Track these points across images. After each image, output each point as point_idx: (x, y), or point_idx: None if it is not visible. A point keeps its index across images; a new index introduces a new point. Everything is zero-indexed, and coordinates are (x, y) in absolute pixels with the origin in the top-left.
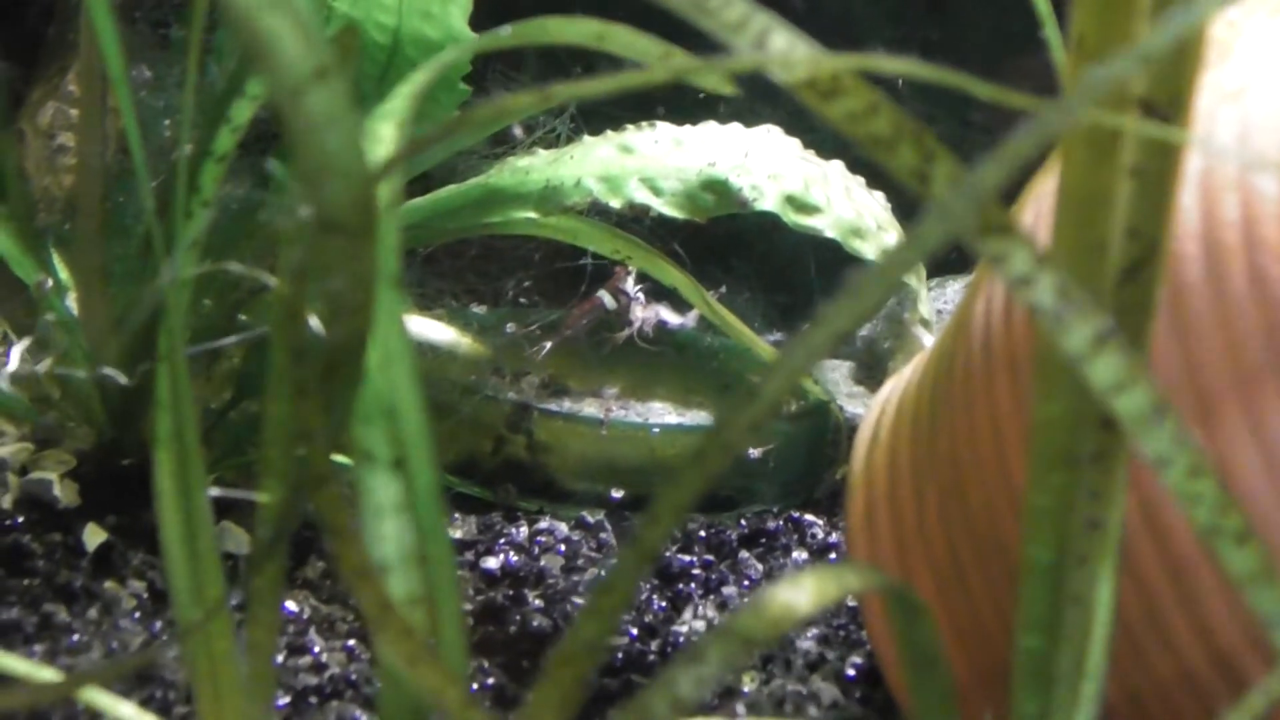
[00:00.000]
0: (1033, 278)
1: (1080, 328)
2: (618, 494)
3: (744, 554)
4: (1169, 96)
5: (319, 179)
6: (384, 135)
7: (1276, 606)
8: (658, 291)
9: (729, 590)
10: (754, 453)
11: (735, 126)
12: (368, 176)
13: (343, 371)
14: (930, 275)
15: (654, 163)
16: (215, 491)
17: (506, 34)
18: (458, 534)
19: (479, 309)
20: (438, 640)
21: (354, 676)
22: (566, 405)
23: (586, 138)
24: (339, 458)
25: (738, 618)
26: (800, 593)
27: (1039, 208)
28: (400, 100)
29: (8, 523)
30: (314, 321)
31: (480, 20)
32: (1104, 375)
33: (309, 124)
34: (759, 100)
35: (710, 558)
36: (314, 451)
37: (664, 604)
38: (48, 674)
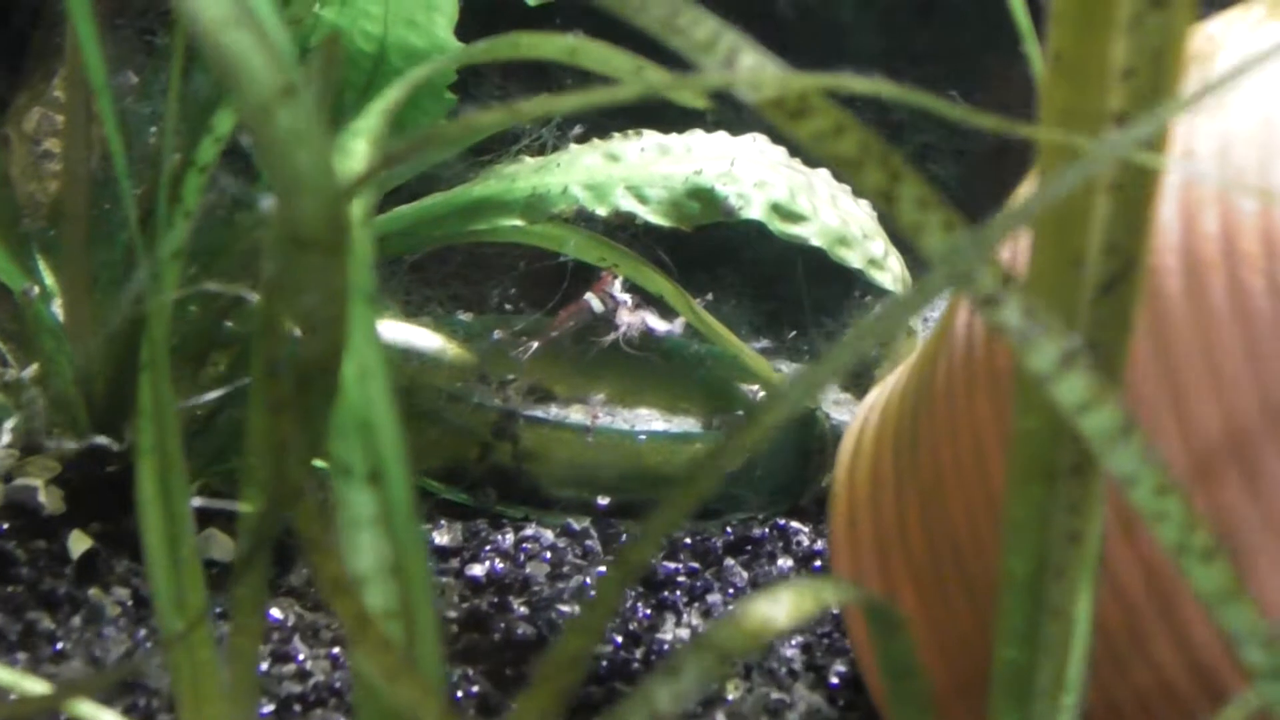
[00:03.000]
0: (1000, 297)
1: (1047, 347)
2: (603, 501)
3: (729, 561)
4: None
5: (290, 196)
6: (358, 152)
7: (1245, 623)
8: (644, 299)
9: (714, 598)
10: None
11: (721, 135)
12: (338, 193)
13: (318, 386)
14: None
15: (640, 171)
16: (198, 501)
17: (481, 49)
18: (443, 541)
19: (465, 316)
20: (414, 653)
21: (338, 684)
22: (553, 412)
23: (573, 145)
24: (319, 463)
25: (715, 631)
26: (777, 607)
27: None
28: (374, 118)
29: None
30: (298, 333)
31: (466, 30)
32: (1070, 395)
33: (278, 142)
34: (745, 109)
35: (695, 565)
36: (290, 464)
37: (649, 611)
38: (30, 683)
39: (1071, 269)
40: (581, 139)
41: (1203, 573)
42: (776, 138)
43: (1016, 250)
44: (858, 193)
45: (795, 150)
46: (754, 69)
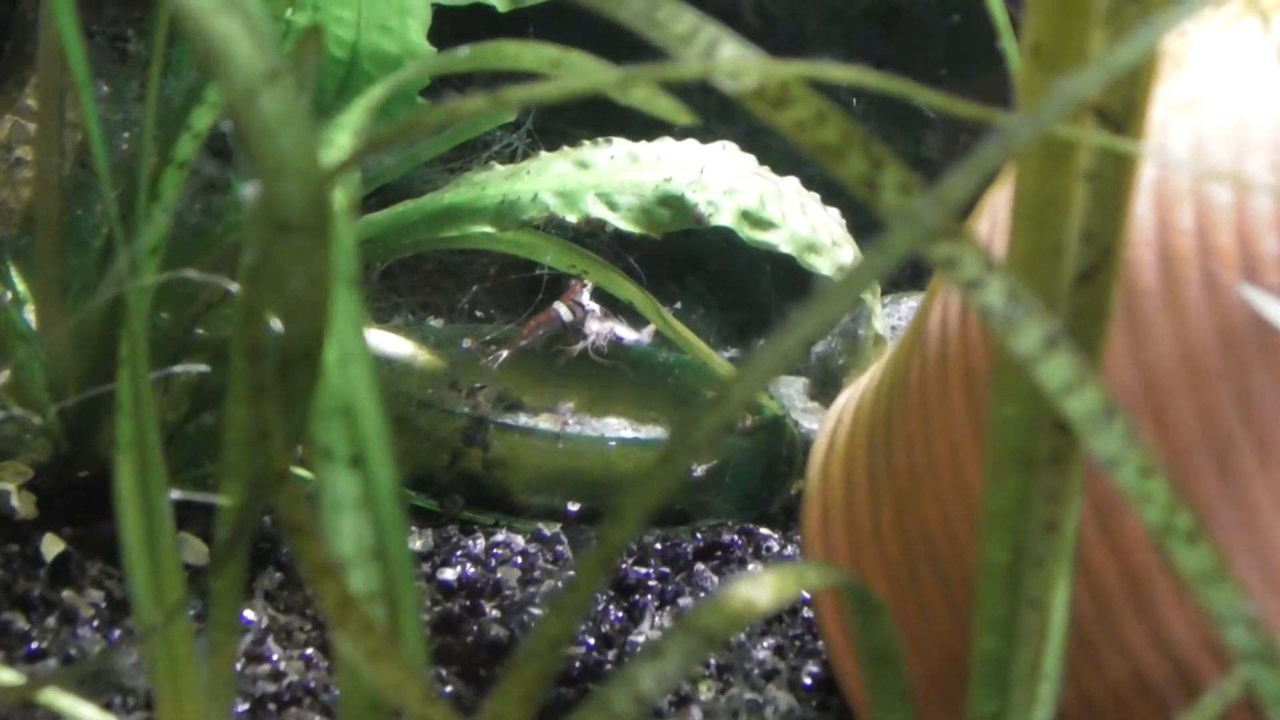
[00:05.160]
0: (983, 281)
1: (1030, 330)
2: (574, 507)
3: (699, 566)
4: (1123, 104)
5: (273, 179)
6: (341, 144)
7: (1228, 605)
8: (614, 307)
9: (685, 602)
10: (698, 470)
11: (691, 143)
12: (321, 176)
13: (300, 369)
14: (884, 292)
15: (610, 178)
16: (176, 494)
17: (464, 56)
18: (415, 545)
19: (435, 323)
20: (397, 634)
21: (312, 684)
22: (522, 420)
23: (543, 153)
24: (299, 473)
25: (698, 613)
26: (760, 589)
27: (993, 219)
28: (358, 113)
29: None
30: (276, 324)
31: (441, 36)
32: (1054, 377)
33: (262, 125)
34: (715, 118)
35: (666, 570)
36: (273, 449)
37: (620, 614)
38: (7, 675)
39: (1050, 258)
40: (551, 148)
41: (1188, 554)
42: (746, 146)
43: (994, 233)
44: (827, 201)
45: (764, 160)
46: (735, 59)
